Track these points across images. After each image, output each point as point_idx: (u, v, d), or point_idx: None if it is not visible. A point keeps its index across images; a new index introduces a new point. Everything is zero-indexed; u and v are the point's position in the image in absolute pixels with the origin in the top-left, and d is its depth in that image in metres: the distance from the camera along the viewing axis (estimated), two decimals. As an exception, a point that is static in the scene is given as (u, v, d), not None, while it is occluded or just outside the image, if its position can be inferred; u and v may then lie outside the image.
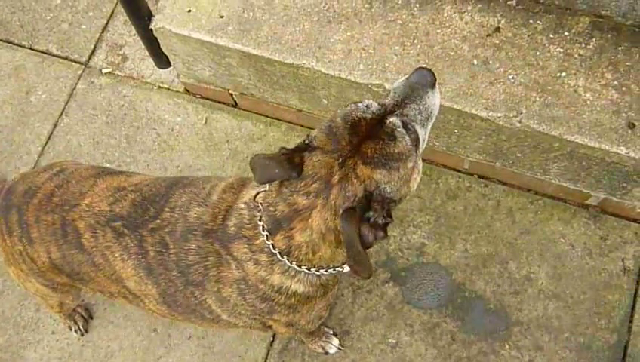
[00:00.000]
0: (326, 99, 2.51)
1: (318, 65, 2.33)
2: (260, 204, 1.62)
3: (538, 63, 2.25)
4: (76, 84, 3.01)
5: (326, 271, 1.64)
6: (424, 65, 1.62)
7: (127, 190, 1.89)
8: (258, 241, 1.63)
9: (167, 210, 1.81)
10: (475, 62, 2.28)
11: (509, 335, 2.45)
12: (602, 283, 2.47)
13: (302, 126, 2.83)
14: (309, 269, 1.62)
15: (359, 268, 1.46)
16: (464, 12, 2.34)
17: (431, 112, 1.59)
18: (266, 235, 1.59)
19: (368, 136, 1.47)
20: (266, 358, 2.51)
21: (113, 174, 2.00)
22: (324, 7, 2.39)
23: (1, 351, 2.66)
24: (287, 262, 1.60)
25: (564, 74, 2.23)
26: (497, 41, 2.30)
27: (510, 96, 2.23)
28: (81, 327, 2.61)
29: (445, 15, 2.35)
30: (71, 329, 2.62)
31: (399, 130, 1.48)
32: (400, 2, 2.38)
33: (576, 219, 2.56)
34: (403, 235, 2.61)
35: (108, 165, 2.81)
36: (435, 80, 1.59)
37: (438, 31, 2.33)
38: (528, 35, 2.29)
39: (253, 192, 1.70)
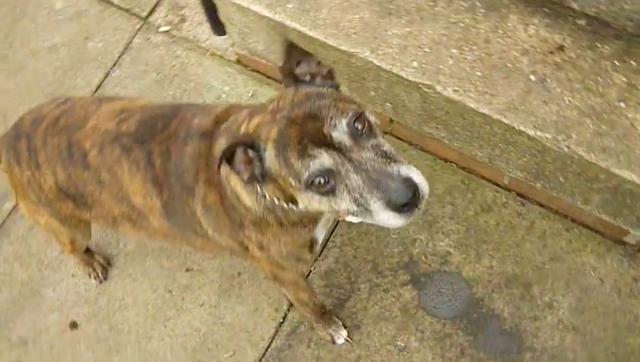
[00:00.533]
0: (374, 91, 2.47)
1: (371, 57, 2.30)
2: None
3: (598, 90, 2.16)
4: (133, 37, 3.04)
5: (264, 196, 1.65)
6: (415, 187, 1.40)
7: (132, 111, 1.93)
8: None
9: (174, 122, 1.85)
10: (532, 77, 2.21)
11: (521, 360, 2.40)
12: (626, 324, 2.38)
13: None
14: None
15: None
16: (530, 25, 2.26)
17: (371, 212, 1.43)
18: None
19: (305, 132, 1.44)
20: (274, 337, 2.52)
21: (115, 99, 2.06)
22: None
23: (22, 286, 2.75)
24: None
25: (623, 104, 2.14)
26: (559, 60, 2.22)
27: (562, 118, 2.15)
28: (100, 274, 2.67)
29: (509, 25, 2.28)
30: (90, 277, 2.68)
31: (310, 163, 1.41)
32: (465, 5, 2.32)
33: (611, 255, 2.47)
34: (430, 240, 2.57)
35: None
36: (406, 209, 1.40)
37: (499, 40, 2.26)
38: (592, 59, 2.20)
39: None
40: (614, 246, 2.48)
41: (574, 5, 2.24)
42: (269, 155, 1.47)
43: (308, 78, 1.59)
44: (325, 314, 2.42)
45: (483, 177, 2.65)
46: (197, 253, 2.66)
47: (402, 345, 2.46)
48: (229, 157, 1.49)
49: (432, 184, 2.61)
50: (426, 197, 1.43)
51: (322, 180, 1.42)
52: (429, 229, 2.59)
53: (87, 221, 2.21)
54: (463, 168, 2.66)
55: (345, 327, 2.50)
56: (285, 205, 1.62)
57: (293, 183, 1.45)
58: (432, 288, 2.52)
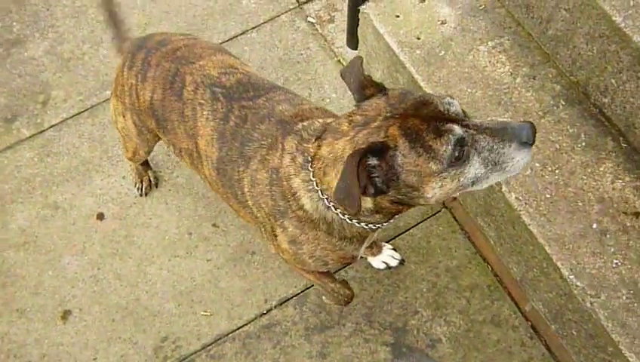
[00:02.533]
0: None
1: (462, 131, 2.36)
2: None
3: (649, 269, 2.12)
4: (282, 13, 3.26)
5: (335, 208, 1.72)
6: (532, 123, 1.57)
7: (238, 71, 2.09)
8: (306, 145, 1.75)
9: (263, 98, 1.99)
10: (595, 226, 2.19)
11: None
12: None
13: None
14: (322, 193, 1.70)
15: (343, 197, 1.50)
16: (619, 178, 2.25)
17: (502, 162, 1.56)
18: (313, 141, 1.72)
19: (423, 118, 1.51)
20: (250, 322, 2.60)
21: (232, 56, 2.22)
22: (504, 89, 2.41)
23: (81, 162, 2.99)
24: (309, 170, 1.71)
25: (666, 296, 2.09)
26: (629, 224, 2.19)
27: (601, 276, 2.12)
28: (143, 189, 2.87)
29: (601, 169, 2.27)
30: (135, 186, 2.88)
31: (449, 136, 1.49)
32: (571, 131, 2.33)
33: None
34: (430, 320, 2.58)
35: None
36: (532, 141, 1.55)
37: (584, 177, 2.26)
38: (661, 240, 2.16)
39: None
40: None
41: (670, 184, 2.21)
42: (403, 151, 1.51)
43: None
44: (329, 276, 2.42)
45: (509, 293, 2.63)
46: (228, 216, 2.81)
47: (352, 394, 2.49)
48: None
49: (461, 274, 2.65)
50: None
51: (458, 152, 1.50)
52: (435, 310, 2.60)
53: (157, 139, 2.40)
54: (495, 275, 2.65)
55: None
56: (348, 222, 1.74)
57: (434, 167, 1.51)
58: (406, 361, 2.53)
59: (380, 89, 1.62)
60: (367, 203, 1.65)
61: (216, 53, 2.16)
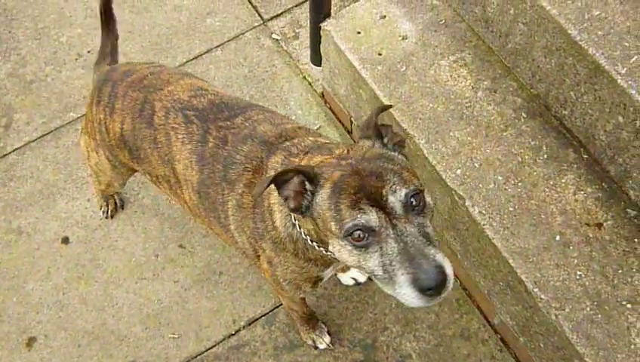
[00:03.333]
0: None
1: (424, 146, 2.36)
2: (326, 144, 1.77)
3: (613, 280, 2.13)
4: (246, 31, 3.26)
5: (299, 227, 1.72)
6: (439, 282, 1.41)
7: (209, 92, 2.07)
8: (292, 159, 1.75)
9: (240, 118, 1.96)
10: (558, 238, 2.20)
11: None
12: None
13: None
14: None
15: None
16: (581, 190, 2.26)
17: (394, 282, 1.45)
18: (301, 157, 1.72)
19: (365, 185, 1.48)
20: (219, 343, 2.57)
21: (200, 79, 2.21)
22: (466, 102, 2.42)
23: (45, 186, 2.95)
24: None
25: (629, 306, 2.09)
26: (591, 235, 2.20)
27: (565, 288, 2.13)
28: (109, 211, 2.84)
29: (563, 181, 2.28)
30: (100, 209, 2.85)
31: (358, 216, 1.45)
32: (533, 143, 2.34)
33: None
34: (399, 336, 2.56)
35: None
36: (429, 292, 1.41)
37: (546, 190, 2.27)
38: (624, 251, 2.17)
39: (325, 141, 1.85)
40: None
41: (631, 193, 2.22)
42: (323, 194, 1.52)
43: (386, 140, 1.67)
44: (311, 320, 2.49)
45: (478, 306, 2.63)
46: (195, 236, 2.78)
47: (322, 413, 2.47)
48: (281, 178, 1.54)
49: (430, 288, 2.64)
50: (450, 290, 1.46)
51: (361, 234, 1.46)
52: (405, 326, 2.59)
53: (132, 172, 2.37)
54: (464, 288, 2.65)
55: (329, 334, 2.56)
56: (310, 243, 1.72)
57: (333, 228, 1.50)
58: (377, 379, 2.52)
59: (378, 133, 1.64)
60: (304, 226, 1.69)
61: (183, 78, 2.14)
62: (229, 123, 1.95)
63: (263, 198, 1.80)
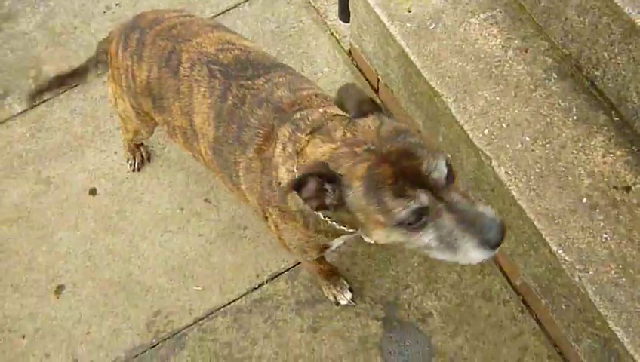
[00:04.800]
0: (443, 137, 2.51)
1: (452, 105, 2.34)
2: (332, 118, 1.71)
3: (639, 244, 2.11)
4: (276, -16, 3.23)
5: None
6: (504, 228, 1.47)
7: (237, 46, 2.06)
8: (300, 135, 1.73)
9: (262, 79, 1.96)
10: (585, 200, 2.18)
11: None
12: None
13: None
14: None
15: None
16: (610, 153, 2.22)
17: (456, 249, 1.48)
18: (308, 133, 1.69)
19: (398, 170, 1.44)
20: (242, 296, 2.62)
21: (230, 31, 2.19)
22: (496, 62, 2.38)
23: (73, 138, 2.99)
24: (295, 161, 1.68)
25: (655, 270, 2.08)
26: (619, 198, 2.18)
27: (590, 251, 2.11)
28: (136, 164, 2.87)
29: (592, 143, 2.25)
30: (127, 161, 2.88)
31: (411, 204, 1.42)
32: (562, 105, 2.31)
33: (575, 402, 2.40)
34: (421, 294, 2.58)
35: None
36: (494, 245, 1.45)
37: (574, 151, 2.24)
38: (651, 215, 2.15)
39: (335, 112, 1.77)
40: (581, 395, 2.41)
41: (662, 158, 2.19)
42: (356, 193, 1.47)
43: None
44: (333, 276, 2.51)
45: (500, 268, 2.63)
46: (220, 191, 2.81)
47: (343, 368, 2.51)
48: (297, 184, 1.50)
49: (452, 248, 2.64)
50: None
51: (414, 218, 1.44)
52: (427, 285, 2.60)
53: (155, 122, 2.38)
54: (487, 250, 2.65)
55: (350, 290, 2.59)
56: (323, 218, 1.71)
57: (382, 220, 1.46)
58: (398, 336, 2.55)
59: (375, 106, 1.57)
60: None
61: (213, 30, 2.13)
62: (250, 83, 1.94)
63: (271, 166, 1.79)
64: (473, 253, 1.46)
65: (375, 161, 1.45)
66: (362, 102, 1.58)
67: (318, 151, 1.59)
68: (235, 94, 1.93)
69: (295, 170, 1.68)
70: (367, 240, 2.64)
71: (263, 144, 1.85)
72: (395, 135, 1.49)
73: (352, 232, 1.79)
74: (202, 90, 1.98)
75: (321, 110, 1.81)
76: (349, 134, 1.54)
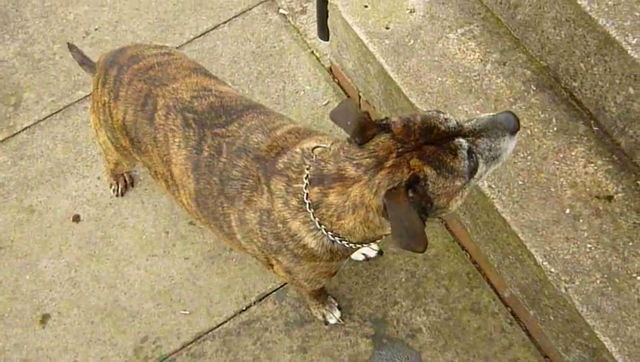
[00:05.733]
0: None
1: (433, 120, 2.35)
2: (315, 155, 1.73)
3: (623, 253, 2.12)
4: (254, 6, 3.23)
5: (340, 240, 1.73)
6: (513, 111, 1.68)
7: (212, 93, 2.05)
8: (296, 186, 1.73)
9: (235, 124, 1.96)
10: (568, 211, 2.19)
11: None
12: None
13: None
14: (326, 231, 1.71)
15: (408, 242, 1.50)
16: (592, 162, 2.24)
17: (499, 155, 1.66)
18: (306, 183, 1.68)
19: (434, 142, 1.54)
20: (230, 319, 2.60)
21: (207, 76, 2.17)
22: (475, 76, 2.40)
23: (55, 165, 2.97)
24: (311, 215, 1.69)
25: (640, 278, 2.09)
26: (601, 208, 2.19)
27: (575, 261, 2.12)
28: (119, 189, 2.85)
29: (573, 153, 2.26)
30: (110, 187, 2.86)
31: (463, 152, 1.55)
32: (542, 116, 2.32)
33: (567, 413, 2.40)
34: (410, 310, 2.58)
35: (229, 84, 3.01)
36: (518, 128, 1.65)
37: (556, 162, 2.25)
38: (634, 223, 2.15)
39: (313, 144, 1.81)
40: (573, 406, 2.40)
41: (642, 166, 2.20)
42: (431, 180, 1.53)
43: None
44: (321, 295, 2.50)
45: (488, 280, 2.63)
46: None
47: (334, 387, 2.49)
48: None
49: (440, 263, 2.65)
50: None
51: (472, 162, 1.58)
52: (415, 300, 2.60)
53: (134, 157, 2.37)
54: (474, 262, 2.65)
55: (339, 309, 2.57)
56: (348, 245, 1.75)
57: (459, 183, 1.57)
58: (388, 353, 2.53)
59: (382, 126, 1.58)
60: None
61: (191, 75, 2.11)
62: (224, 130, 1.94)
63: (274, 221, 1.79)
64: (510, 145, 1.67)
65: (416, 151, 1.53)
66: (365, 127, 1.57)
67: (352, 195, 1.58)
68: (210, 144, 1.93)
69: (313, 220, 1.69)
70: (353, 256, 2.65)
71: (252, 195, 1.84)
72: (407, 129, 1.56)
73: (359, 247, 1.83)
74: (177, 140, 1.97)
75: (298, 149, 1.81)
76: (366, 160, 1.55)
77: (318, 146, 1.77)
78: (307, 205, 1.68)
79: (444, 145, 1.54)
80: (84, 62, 2.54)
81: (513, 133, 1.65)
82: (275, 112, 2.09)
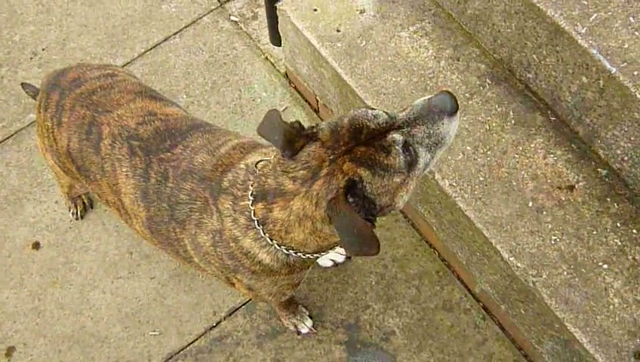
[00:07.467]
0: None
1: (391, 121, 2.32)
2: (257, 170, 1.69)
3: (588, 242, 2.11)
4: (204, 15, 3.17)
5: (295, 253, 1.70)
6: (449, 90, 1.63)
7: (157, 117, 2.00)
8: (243, 203, 1.69)
9: (180, 147, 1.91)
10: (531, 204, 2.18)
11: None
12: None
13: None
14: (279, 245, 1.67)
15: (359, 248, 1.47)
16: (551, 153, 2.23)
17: (442, 139, 1.60)
18: (251, 201, 1.65)
19: (365, 142, 1.50)
20: (200, 336, 2.55)
21: (152, 98, 2.10)
22: (429, 73, 2.37)
23: (10, 192, 2.88)
24: (261, 231, 1.66)
25: (606, 266, 2.08)
26: (564, 198, 2.18)
27: (541, 254, 2.11)
28: (78, 212, 2.78)
29: (532, 146, 2.25)
30: (69, 210, 2.79)
31: (396, 147, 1.50)
32: (499, 110, 2.31)
33: (545, 404, 2.39)
34: (381, 313, 2.55)
35: (184, 96, 2.95)
36: (457, 109, 1.59)
37: (516, 156, 2.24)
38: (597, 211, 2.15)
39: (257, 158, 1.76)
40: (550, 397, 2.40)
41: (601, 153, 2.20)
42: (367, 181, 1.49)
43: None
44: (291, 305, 2.46)
45: (458, 277, 2.61)
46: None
47: (310, 398, 2.46)
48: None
49: (409, 263, 2.62)
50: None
51: (409, 155, 1.53)
52: (386, 303, 2.57)
53: (82, 184, 2.29)
54: (443, 260, 2.63)
55: (310, 317, 2.54)
56: (305, 256, 1.72)
57: (398, 180, 1.52)
58: (362, 358, 2.51)
59: (309, 135, 1.55)
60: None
61: (135, 99, 2.05)
62: (169, 154, 1.89)
63: (226, 240, 1.75)
64: (451, 127, 1.60)
65: (347, 155, 1.49)
66: (292, 139, 1.54)
67: (294, 208, 1.55)
68: (156, 171, 1.88)
69: (263, 236, 1.65)
70: (321, 262, 2.61)
71: (201, 218, 1.80)
72: (334, 133, 1.52)
73: (318, 257, 1.81)
74: (124, 169, 1.92)
75: (242, 165, 1.78)
76: (300, 172, 1.52)
77: (261, 160, 1.73)
78: (255, 222, 1.65)
79: (376, 143, 1.50)
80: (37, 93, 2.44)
81: (452, 114, 1.59)
82: (220, 129, 2.05)
